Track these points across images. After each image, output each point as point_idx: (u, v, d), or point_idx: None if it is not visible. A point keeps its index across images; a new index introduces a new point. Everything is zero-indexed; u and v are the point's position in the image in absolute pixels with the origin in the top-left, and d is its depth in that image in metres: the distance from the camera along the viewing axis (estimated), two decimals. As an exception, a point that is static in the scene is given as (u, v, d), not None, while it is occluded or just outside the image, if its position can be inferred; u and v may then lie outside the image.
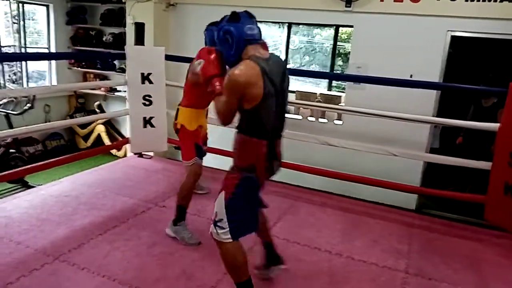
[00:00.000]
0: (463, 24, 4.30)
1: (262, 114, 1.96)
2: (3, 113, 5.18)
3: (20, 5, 6.42)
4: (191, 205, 3.00)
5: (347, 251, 3.05)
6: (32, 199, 3.53)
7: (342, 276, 2.73)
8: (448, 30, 4.40)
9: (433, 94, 4.48)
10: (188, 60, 3.37)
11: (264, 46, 2.05)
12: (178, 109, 3.08)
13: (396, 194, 4.03)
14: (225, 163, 2.31)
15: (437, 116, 4.47)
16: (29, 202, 3.46)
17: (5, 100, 5.20)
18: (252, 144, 2.01)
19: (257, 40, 2.01)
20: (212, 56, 2.20)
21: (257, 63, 1.91)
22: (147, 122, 4.27)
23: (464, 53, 5.86)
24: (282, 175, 3.77)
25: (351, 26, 4.95)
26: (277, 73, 2.01)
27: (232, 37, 1.97)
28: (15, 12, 6.37)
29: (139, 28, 5.49)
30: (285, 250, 2.99)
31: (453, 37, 4.44)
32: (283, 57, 5.86)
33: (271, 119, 2.01)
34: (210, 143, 3.75)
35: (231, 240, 2.06)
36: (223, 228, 2.05)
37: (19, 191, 4.40)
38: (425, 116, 4.07)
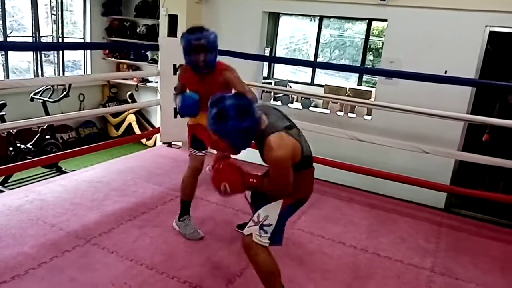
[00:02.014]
0: (503, 19, 4.14)
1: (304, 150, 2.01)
2: (40, 100, 5.37)
3: (59, -4, 6.61)
4: (218, 195, 3.00)
5: (373, 247, 3.03)
6: (65, 184, 3.66)
7: (366, 272, 2.72)
8: (487, 26, 4.24)
9: (468, 92, 4.34)
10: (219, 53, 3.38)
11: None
12: None
13: (425, 192, 3.96)
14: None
15: (471, 113, 4.34)
16: (63, 187, 3.59)
17: (42, 88, 5.38)
18: (309, 174, 2.14)
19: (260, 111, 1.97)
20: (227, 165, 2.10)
21: (287, 132, 1.93)
22: (177, 112, 4.34)
23: (503, 50, 5.64)
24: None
25: (385, 20, 4.85)
26: (284, 118, 2.08)
27: (250, 130, 1.90)
28: (53, 3, 6.57)
29: (172, 20, 5.56)
30: (309, 243, 3.01)
31: (491, 33, 4.28)
32: (312, 51, 5.83)
33: (307, 146, 2.09)
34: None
35: (267, 245, 2.04)
36: (267, 233, 2.02)
37: (53, 176, 4.58)
38: (459, 113, 3.97)
